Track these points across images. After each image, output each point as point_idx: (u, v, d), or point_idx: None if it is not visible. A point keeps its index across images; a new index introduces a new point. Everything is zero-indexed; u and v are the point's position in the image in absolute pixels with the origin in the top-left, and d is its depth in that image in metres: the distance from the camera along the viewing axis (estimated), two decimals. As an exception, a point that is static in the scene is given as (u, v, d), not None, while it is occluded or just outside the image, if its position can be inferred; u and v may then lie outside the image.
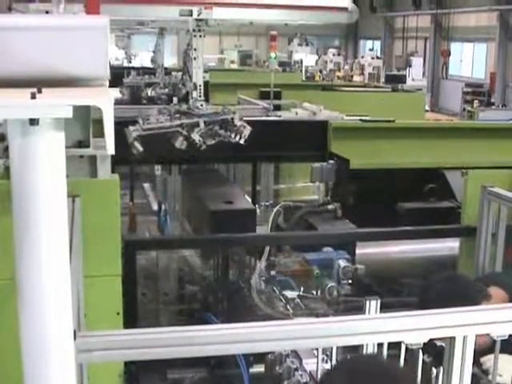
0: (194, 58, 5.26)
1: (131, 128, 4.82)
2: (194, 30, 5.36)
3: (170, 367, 4.86)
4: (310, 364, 3.32)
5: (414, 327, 2.47)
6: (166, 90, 9.79)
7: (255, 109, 7.18)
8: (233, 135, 4.94)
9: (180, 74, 10.28)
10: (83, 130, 3.95)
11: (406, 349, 2.70)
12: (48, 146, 1.81)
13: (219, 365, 4.77)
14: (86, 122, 3.96)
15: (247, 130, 4.88)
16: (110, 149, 1.74)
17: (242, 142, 4.88)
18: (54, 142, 1.82)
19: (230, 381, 4.61)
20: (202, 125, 4.90)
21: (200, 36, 5.34)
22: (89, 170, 3.93)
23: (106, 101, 1.71)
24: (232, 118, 4.97)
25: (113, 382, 3.86)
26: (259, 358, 3.94)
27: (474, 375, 2.75)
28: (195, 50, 5.31)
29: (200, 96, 5.21)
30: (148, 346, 2.21)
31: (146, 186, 8.24)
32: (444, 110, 30.35)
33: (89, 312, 3.43)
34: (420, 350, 2.76)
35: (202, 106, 5.15)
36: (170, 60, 20.25)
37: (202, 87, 5.24)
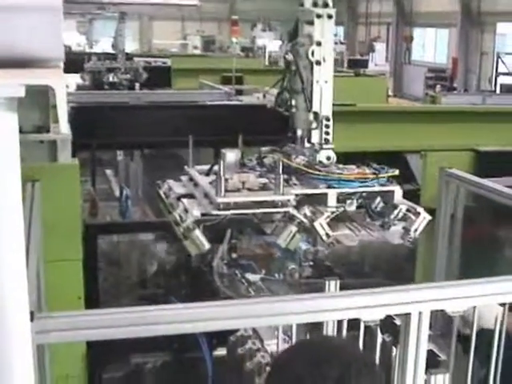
0: (317, 63, 3.00)
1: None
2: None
3: (133, 352, 4.87)
4: (271, 345, 3.34)
5: (370, 304, 2.50)
6: (128, 75, 9.75)
7: (217, 93, 7.18)
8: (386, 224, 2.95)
9: (141, 59, 10.26)
10: (43, 116, 3.95)
11: (366, 329, 2.74)
12: (1, 127, 1.80)
13: (182, 348, 4.79)
14: (45, 107, 3.96)
15: (421, 221, 2.98)
16: (64, 129, 1.74)
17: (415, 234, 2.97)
18: (6, 123, 1.81)
19: (193, 364, 4.62)
20: (333, 201, 2.85)
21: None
22: (49, 156, 3.92)
23: (58, 81, 1.70)
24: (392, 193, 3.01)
25: (76, 367, 3.87)
26: (222, 341, 3.96)
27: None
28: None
29: (327, 140, 3.04)
30: (106, 326, 2.22)
31: (109, 172, 8.22)
32: (407, 95, 30.51)
33: (50, 296, 3.43)
34: (378, 329, 2.80)
35: (329, 159, 3.02)
36: (132, 46, 20.16)
37: (331, 121, 3.05)
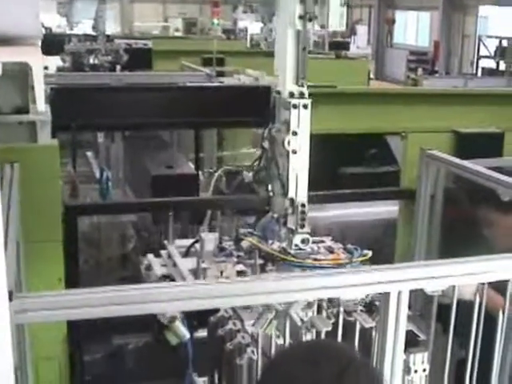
0: (293, 152, 2.97)
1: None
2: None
3: (114, 333, 4.88)
4: (251, 326, 3.35)
5: (349, 283, 2.51)
6: (109, 57, 9.69)
7: (198, 75, 7.16)
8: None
9: (122, 41, 10.21)
10: (22, 97, 3.92)
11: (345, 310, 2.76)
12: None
13: (163, 329, 4.79)
14: (24, 88, 3.94)
15: None
16: (41, 106, 1.74)
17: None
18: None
19: (174, 345, 4.63)
20: None
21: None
22: (28, 137, 3.90)
23: (36, 58, 1.70)
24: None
25: (57, 349, 3.86)
26: (203, 322, 3.96)
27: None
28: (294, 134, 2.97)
29: (303, 225, 3.01)
30: (86, 305, 2.22)
31: (89, 154, 8.18)
32: (389, 77, 30.56)
33: (30, 277, 3.42)
34: (358, 308, 2.81)
35: (304, 243, 3.03)
36: (113, 28, 20.05)
37: (306, 207, 3.03)
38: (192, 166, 5.78)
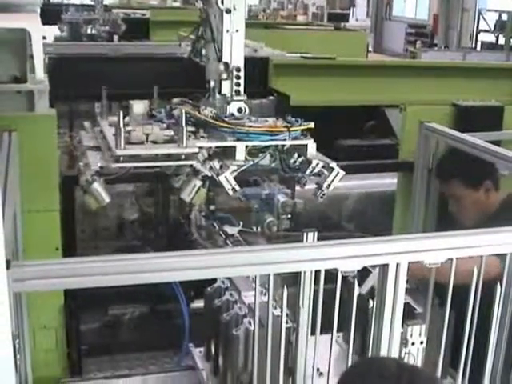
0: (227, 11, 2.88)
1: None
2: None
3: (110, 303, 4.89)
4: (248, 297, 3.36)
5: (348, 255, 2.51)
6: (107, 27, 9.64)
7: (196, 46, 7.11)
8: (302, 180, 3.03)
9: (120, 11, 10.14)
10: (20, 66, 3.91)
11: (344, 281, 2.76)
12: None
13: (160, 300, 4.80)
14: (22, 57, 3.92)
15: (331, 177, 2.93)
16: (40, 74, 1.72)
17: (328, 190, 2.96)
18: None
19: (170, 316, 4.64)
20: (241, 155, 2.80)
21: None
22: (26, 106, 3.88)
23: (34, 24, 1.68)
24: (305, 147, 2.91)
25: (54, 318, 3.87)
26: (199, 293, 3.97)
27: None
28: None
29: (238, 92, 2.91)
30: (84, 274, 2.22)
31: (87, 124, 8.14)
32: (387, 50, 30.42)
33: (27, 247, 3.42)
34: (356, 281, 2.81)
35: (240, 111, 2.93)
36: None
37: (241, 72, 2.91)
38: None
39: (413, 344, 2.79)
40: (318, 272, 2.78)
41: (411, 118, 4.70)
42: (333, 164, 2.87)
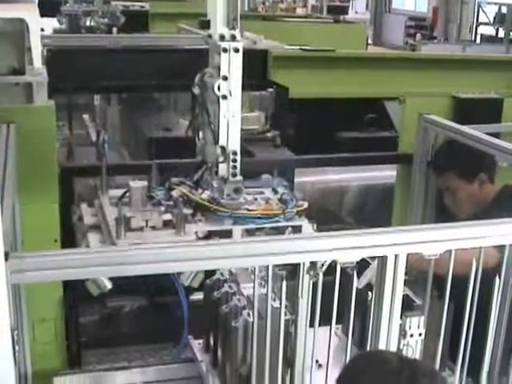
0: (223, 98, 2.91)
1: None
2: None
3: (109, 295, 4.89)
4: (247, 288, 3.35)
5: (347, 246, 2.51)
6: (105, 19, 9.60)
7: (195, 38, 7.09)
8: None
9: (119, 3, 10.11)
10: (18, 58, 3.90)
11: (342, 273, 2.76)
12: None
13: (159, 292, 4.80)
14: (20, 49, 3.92)
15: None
16: (37, 62, 1.72)
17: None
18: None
19: (169, 308, 4.64)
20: (238, 237, 2.86)
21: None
22: (25, 98, 3.88)
23: (32, 14, 1.68)
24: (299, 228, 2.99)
25: (53, 310, 3.87)
26: (199, 285, 3.97)
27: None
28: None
29: (234, 174, 2.97)
30: (83, 265, 2.21)
31: (86, 116, 8.13)
32: (387, 43, 30.39)
33: (26, 239, 3.42)
34: (355, 273, 2.81)
35: (237, 192, 2.97)
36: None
37: (238, 155, 2.96)
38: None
39: (411, 336, 2.79)
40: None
41: (410, 110, 4.70)
42: None
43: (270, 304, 2.80)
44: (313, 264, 2.63)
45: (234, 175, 2.97)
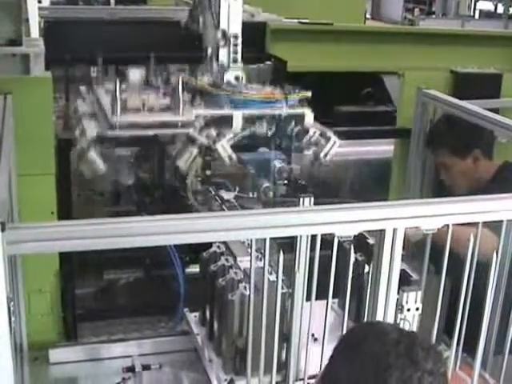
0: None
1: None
2: None
3: (106, 268, 4.89)
4: (244, 262, 3.35)
5: (345, 219, 2.50)
6: (103, -9, 9.58)
7: (193, 10, 7.05)
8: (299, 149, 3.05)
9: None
10: (15, 29, 3.87)
11: (340, 247, 2.75)
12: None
13: (155, 265, 4.80)
14: (17, 20, 3.89)
15: (328, 147, 2.99)
16: (35, 33, 1.69)
17: (325, 159, 3.03)
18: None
19: (165, 281, 4.64)
20: (238, 123, 2.82)
21: None
22: (22, 69, 3.86)
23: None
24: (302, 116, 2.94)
25: (48, 282, 3.87)
26: (195, 258, 3.97)
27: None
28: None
29: (235, 59, 2.98)
30: (79, 237, 2.20)
31: (83, 88, 8.09)
32: (385, 18, 30.23)
33: (23, 211, 3.42)
34: (352, 247, 2.81)
35: (238, 79, 2.99)
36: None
37: (239, 39, 2.97)
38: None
39: (408, 310, 2.79)
40: (313, 237, 2.78)
41: (409, 84, 4.69)
42: (330, 133, 2.84)
43: (267, 277, 2.79)
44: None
45: (235, 61, 2.90)
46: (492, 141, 4.26)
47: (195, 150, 2.71)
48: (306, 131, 2.82)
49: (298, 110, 2.86)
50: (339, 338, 1.95)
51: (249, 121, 2.81)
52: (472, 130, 4.00)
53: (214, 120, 2.77)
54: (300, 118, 2.85)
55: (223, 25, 2.88)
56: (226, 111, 2.77)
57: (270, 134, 2.89)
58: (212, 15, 2.89)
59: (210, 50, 2.97)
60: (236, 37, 2.88)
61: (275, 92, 2.84)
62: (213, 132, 2.72)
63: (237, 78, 2.86)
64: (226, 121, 2.75)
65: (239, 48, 2.89)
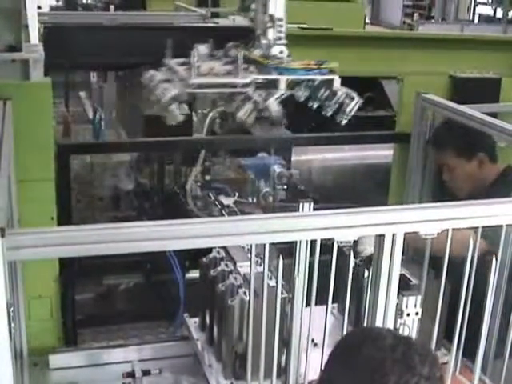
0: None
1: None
2: None
3: (105, 273, 4.89)
4: (243, 267, 3.36)
5: (344, 224, 2.50)
6: (103, -3, 9.59)
7: (192, 16, 7.06)
8: (329, 108, 3.41)
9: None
10: (15, 34, 3.88)
11: (339, 252, 2.75)
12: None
13: (155, 270, 4.81)
14: (17, 26, 3.90)
15: (352, 105, 3.43)
16: (34, 39, 1.70)
17: (343, 121, 3.52)
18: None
19: (165, 286, 4.65)
20: (282, 86, 3.29)
21: None
22: (21, 75, 3.87)
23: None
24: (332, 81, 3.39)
25: (48, 288, 3.87)
26: (195, 263, 3.97)
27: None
28: None
29: (280, 38, 3.46)
30: (79, 242, 2.20)
31: (82, 94, 8.10)
32: (384, 23, 30.24)
33: (23, 216, 3.41)
34: (352, 252, 2.81)
35: (282, 53, 3.44)
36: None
37: (283, 21, 3.45)
38: (186, 106, 5.72)
39: (408, 315, 2.79)
40: (313, 242, 2.79)
41: (408, 89, 4.69)
42: (353, 94, 3.35)
43: (267, 282, 2.80)
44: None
45: (280, 38, 3.40)
46: (494, 145, 4.27)
47: (251, 105, 3.23)
48: (334, 94, 3.36)
49: (329, 76, 3.37)
50: (335, 344, 1.95)
51: (289, 85, 3.33)
52: (478, 132, 3.99)
53: (264, 84, 3.31)
54: (330, 83, 3.36)
55: (271, 10, 3.39)
56: (273, 76, 3.30)
57: (306, 95, 3.42)
58: (262, 3, 3.41)
59: (258, 31, 3.46)
60: (280, 19, 3.40)
61: (311, 63, 3.34)
62: (263, 92, 3.28)
63: (281, 52, 3.41)
64: (273, 84, 3.29)
65: (283, 29, 3.42)
